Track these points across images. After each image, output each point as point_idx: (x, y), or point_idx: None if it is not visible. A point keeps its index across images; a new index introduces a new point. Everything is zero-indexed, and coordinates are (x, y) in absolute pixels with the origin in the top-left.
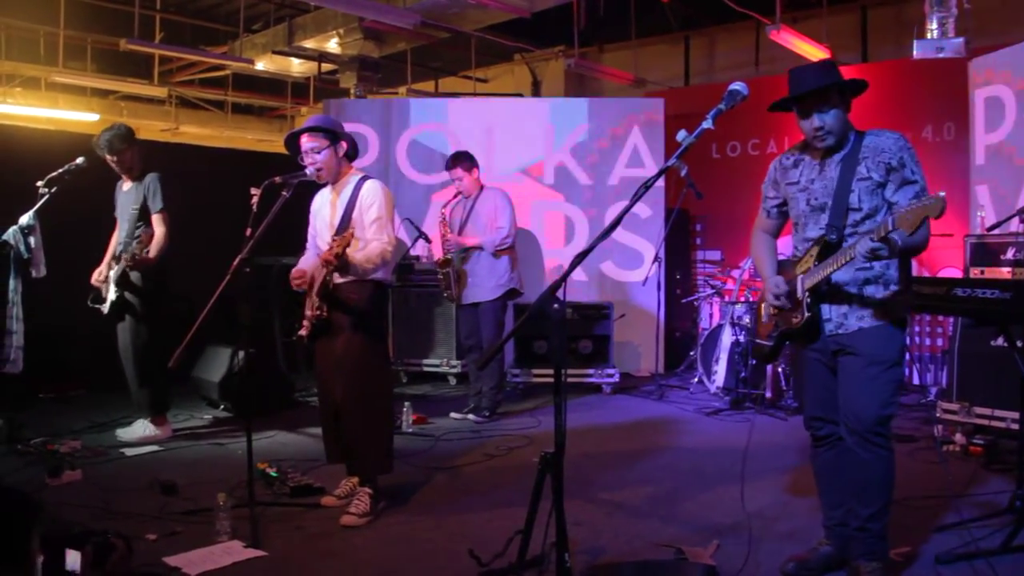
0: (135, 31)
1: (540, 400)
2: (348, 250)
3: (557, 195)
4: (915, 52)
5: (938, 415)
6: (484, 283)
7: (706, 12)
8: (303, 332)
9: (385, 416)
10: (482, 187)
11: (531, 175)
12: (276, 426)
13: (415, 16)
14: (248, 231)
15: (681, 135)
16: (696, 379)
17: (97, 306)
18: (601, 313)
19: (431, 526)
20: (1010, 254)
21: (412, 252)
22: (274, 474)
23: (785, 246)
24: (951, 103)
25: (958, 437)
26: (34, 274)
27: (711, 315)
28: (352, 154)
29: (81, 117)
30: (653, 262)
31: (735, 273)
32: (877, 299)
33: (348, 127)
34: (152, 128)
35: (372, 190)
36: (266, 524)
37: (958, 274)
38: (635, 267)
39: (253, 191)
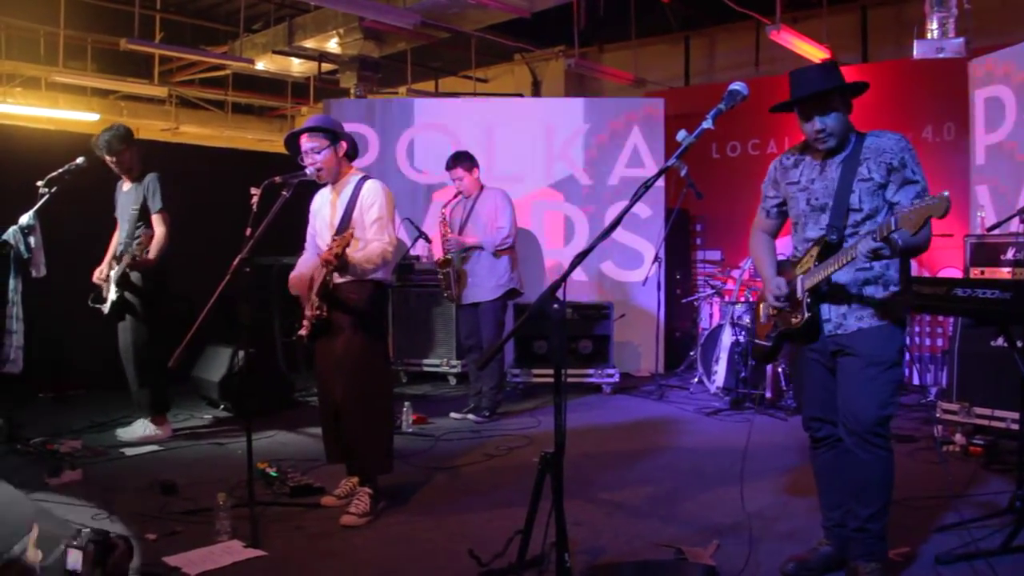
0: (135, 31)
1: (540, 400)
2: (348, 250)
3: (557, 195)
4: (915, 52)
5: (938, 415)
6: (484, 283)
7: (706, 12)
8: (303, 332)
9: (385, 416)
10: (482, 187)
11: (531, 175)
12: (276, 426)
13: (415, 16)
14: (248, 231)
15: (681, 135)
16: (696, 379)
17: (97, 306)
18: (601, 313)
19: (431, 526)
20: (1010, 254)
21: (412, 252)
22: (274, 474)
23: (784, 247)
24: (951, 103)
25: (958, 437)
26: (34, 274)
27: (711, 315)
28: (352, 154)
29: (81, 117)
30: (653, 262)
31: (735, 273)
32: (877, 299)
33: (348, 127)
34: (152, 128)
35: (373, 190)
36: (266, 524)
37: (958, 274)
38: (635, 267)
39: (253, 191)
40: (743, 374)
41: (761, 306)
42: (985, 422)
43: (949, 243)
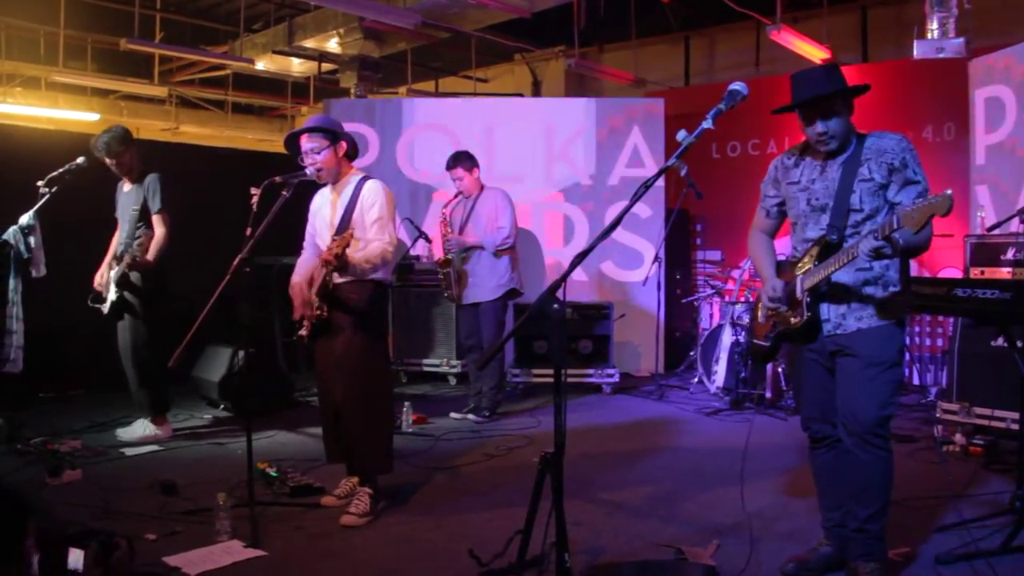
0: (135, 31)
1: (540, 400)
2: (348, 250)
3: (557, 195)
4: (915, 52)
5: (938, 415)
6: (484, 283)
7: (706, 12)
8: (303, 332)
9: (385, 416)
10: (482, 187)
11: (531, 175)
12: (276, 426)
13: (415, 16)
14: (248, 231)
15: (681, 135)
16: (696, 379)
17: (97, 306)
18: (601, 313)
19: (431, 526)
20: (1010, 254)
21: (412, 252)
22: (274, 474)
23: (782, 247)
24: (951, 103)
25: (958, 437)
26: (34, 274)
27: (711, 315)
28: (352, 154)
29: (81, 117)
30: (653, 262)
31: (735, 273)
32: (876, 300)
33: (348, 127)
34: (152, 128)
35: (373, 190)
36: (266, 524)
37: (958, 274)
38: (635, 267)
39: (253, 191)
40: (743, 374)
41: (759, 306)
42: (985, 422)
43: (949, 243)
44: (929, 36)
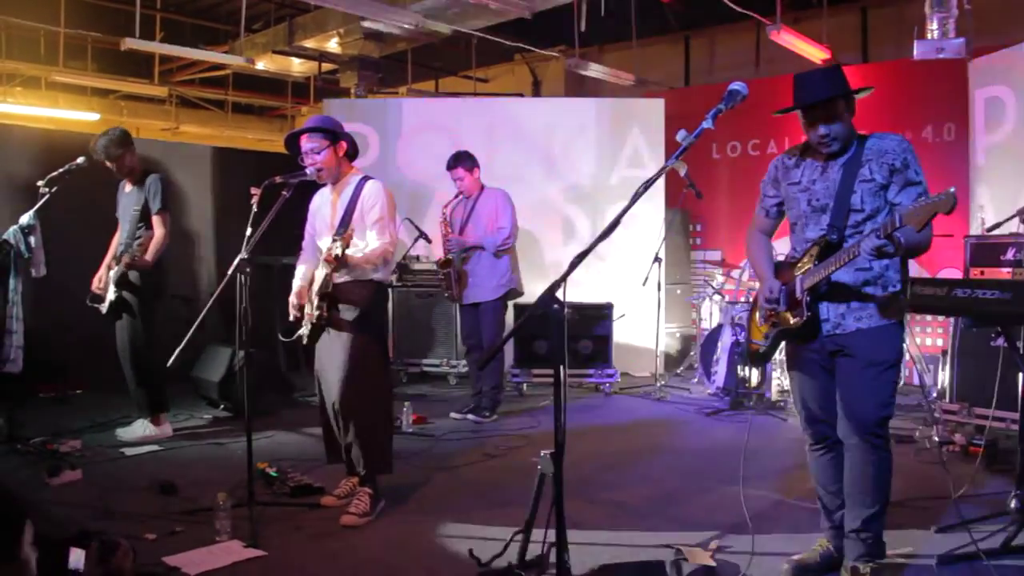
0: (135, 30)
1: (540, 400)
2: (348, 251)
3: (557, 195)
4: (915, 52)
5: (938, 415)
6: (485, 283)
7: (706, 12)
8: (302, 332)
9: (385, 416)
10: (483, 187)
11: (531, 175)
12: (276, 426)
13: (415, 16)
14: (248, 231)
15: (681, 135)
16: (696, 379)
17: (95, 305)
18: (601, 313)
19: (431, 526)
20: (1010, 254)
21: (412, 252)
22: (274, 474)
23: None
24: (951, 103)
25: (958, 437)
26: (34, 274)
27: (711, 315)
28: (352, 154)
29: (81, 117)
30: (653, 262)
31: (735, 273)
32: (876, 299)
33: (348, 127)
34: (152, 128)
35: (374, 191)
36: (266, 524)
37: (958, 274)
38: (635, 267)
39: (253, 191)
40: (743, 374)
41: (757, 307)
42: (985, 422)
43: (949, 243)
44: (929, 36)
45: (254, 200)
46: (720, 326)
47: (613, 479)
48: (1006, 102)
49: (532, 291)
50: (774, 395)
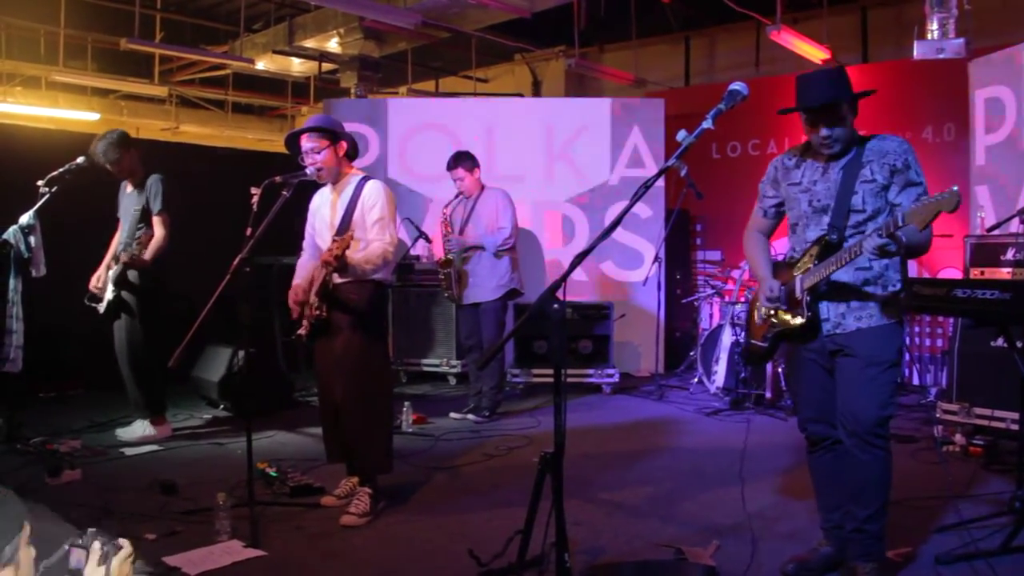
0: (135, 30)
1: (540, 400)
2: (348, 251)
3: (557, 195)
4: (915, 53)
5: (938, 415)
6: (485, 283)
7: (706, 12)
8: (302, 332)
9: (385, 416)
10: (483, 187)
11: (531, 175)
12: (276, 426)
13: (415, 16)
14: (248, 231)
15: (681, 135)
16: (696, 379)
17: (93, 305)
18: (601, 313)
19: (431, 526)
20: (1010, 255)
21: (412, 252)
22: (274, 474)
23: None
24: (951, 104)
25: (958, 437)
26: (34, 274)
27: (711, 315)
28: (352, 154)
29: (81, 116)
30: (653, 262)
31: (735, 273)
32: (876, 299)
33: (348, 127)
34: (152, 128)
35: (374, 191)
36: (266, 524)
37: (958, 275)
38: (635, 267)
39: (253, 191)
40: (743, 374)
41: (756, 307)
42: (985, 422)
43: (949, 243)
44: (929, 36)
45: (254, 200)
46: (720, 326)
47: (613, 479)
48: (1006, 102)
49: (532, 291)
50: (774, 395)
